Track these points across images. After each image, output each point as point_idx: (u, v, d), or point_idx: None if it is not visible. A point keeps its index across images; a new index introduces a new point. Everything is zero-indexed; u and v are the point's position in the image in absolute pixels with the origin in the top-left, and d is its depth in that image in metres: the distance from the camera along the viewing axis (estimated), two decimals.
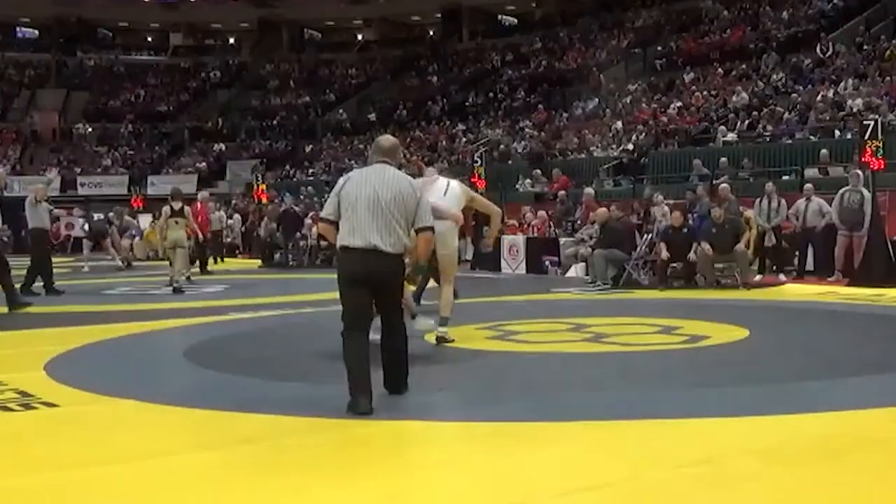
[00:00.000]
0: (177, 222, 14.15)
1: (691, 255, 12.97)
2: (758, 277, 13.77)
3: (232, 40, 50.09)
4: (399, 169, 5.61)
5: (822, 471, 4.00)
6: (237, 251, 25.17)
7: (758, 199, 14.45)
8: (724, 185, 15.48)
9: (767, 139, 20.79)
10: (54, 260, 14.75)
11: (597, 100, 29.75)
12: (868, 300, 10.86)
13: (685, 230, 13.29)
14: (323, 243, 19.52)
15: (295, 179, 33.95)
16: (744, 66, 26.45)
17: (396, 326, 5.53)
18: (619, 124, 25.41)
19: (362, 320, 5.32)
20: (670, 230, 13.35)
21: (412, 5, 45.56)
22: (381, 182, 5.32)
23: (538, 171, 23.62)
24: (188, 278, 15.15)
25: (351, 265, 5.29)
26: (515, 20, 44.96)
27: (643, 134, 23.79)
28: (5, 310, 10.96)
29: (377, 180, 5.34)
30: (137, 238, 27.00)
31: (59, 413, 5.38)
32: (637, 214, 15.91)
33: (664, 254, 12.96)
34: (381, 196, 5.27)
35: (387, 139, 5.67)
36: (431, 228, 5.50)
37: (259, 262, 21.78)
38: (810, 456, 4.23)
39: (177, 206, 14.29)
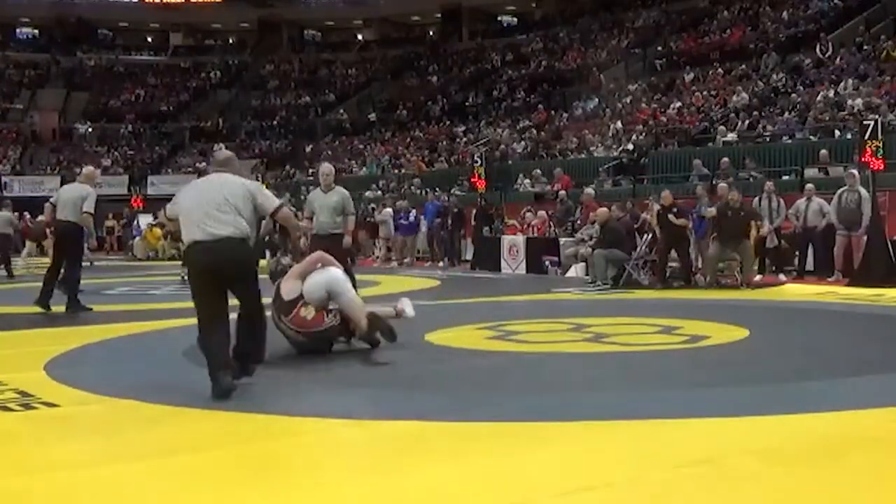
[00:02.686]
0: None
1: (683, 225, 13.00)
2: (758, 277, 13.77)
3: (232, 40, 50.09)
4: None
5: (822, 471, 4.00)
6: None
7: (756, 199, 14.44)
8: (723, 184, 15.46)
9: (767, 139, 20.79)
10: (45, 260, 14.75)
11: (597, 100, 29.75)
12: (868, 300, 10.85)
13: (675, 210, 13.19)
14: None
15: (295, 179, 33.95)
16: (744, 66, 26.45)
17: (256, 316, 5.81)
18: (619, 124, 25.39)
19: (217, 321, 5.64)
20: (660, 210, 13.27)
21: (412, 5, 45.60)
22: (216, 185, 5.79)
23: (538, 170, 23.62)
24: (184, 279, 15.14)
25: (198, 259, 5.62)
26: (515, 20, 44.99)
27: (643, 134, 23.77)
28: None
29: (213, 184, 5.82)
30: (138, 238, 27.04)
31: (59, 413, 5.36)
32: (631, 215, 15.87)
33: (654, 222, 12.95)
34: (214, 195, 5.68)
35: (222, 153, 6.32)
36: (281, 205, 6.04)
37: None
38: (810, 456, 4.22)
39: None
